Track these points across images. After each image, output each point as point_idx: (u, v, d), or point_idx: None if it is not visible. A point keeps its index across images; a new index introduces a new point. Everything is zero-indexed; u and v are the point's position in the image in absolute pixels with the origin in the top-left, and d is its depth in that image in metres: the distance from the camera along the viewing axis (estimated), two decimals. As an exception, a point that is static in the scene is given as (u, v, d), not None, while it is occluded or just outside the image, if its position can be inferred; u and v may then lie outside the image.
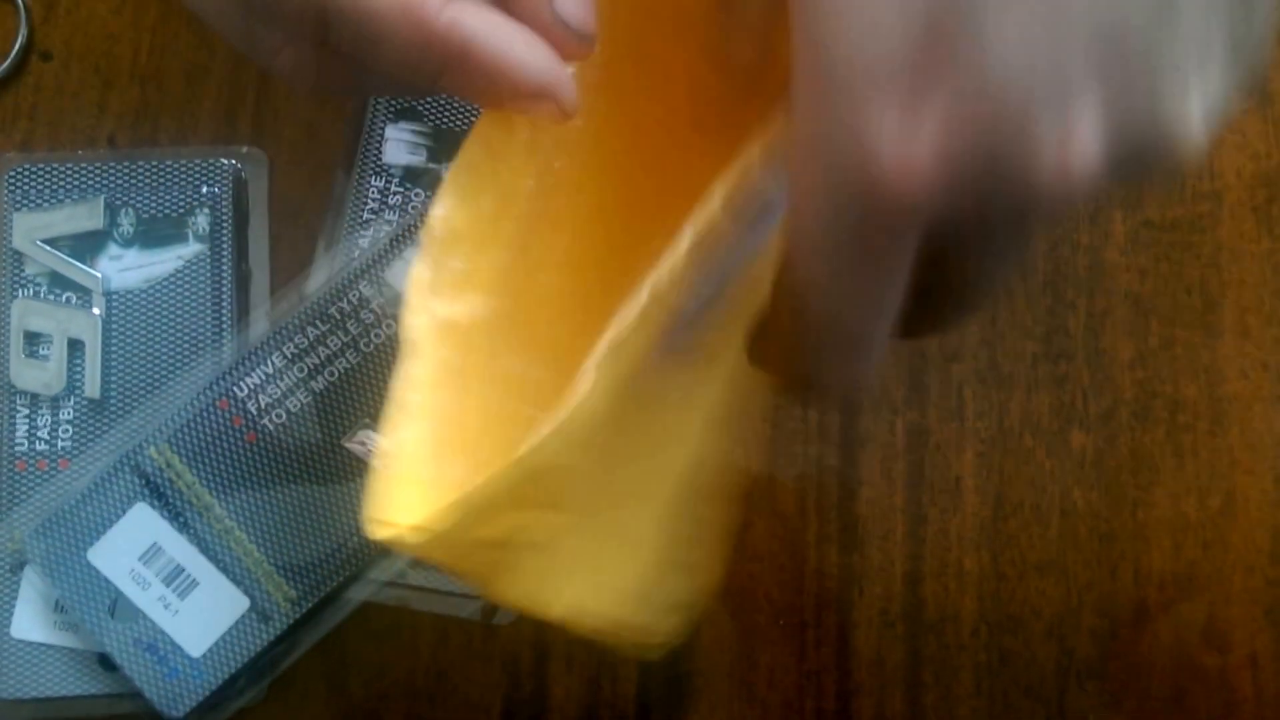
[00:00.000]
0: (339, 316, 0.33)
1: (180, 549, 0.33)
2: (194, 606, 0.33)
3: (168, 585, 0.33)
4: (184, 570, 0.33)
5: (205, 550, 0.33)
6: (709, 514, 0.30)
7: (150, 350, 0.35)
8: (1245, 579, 0.38)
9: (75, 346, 0.35)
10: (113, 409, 0.35)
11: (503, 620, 0.36)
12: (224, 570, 0.33)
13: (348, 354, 0.33)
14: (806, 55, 0.20)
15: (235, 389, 0.33)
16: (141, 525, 0.33)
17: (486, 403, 0.25)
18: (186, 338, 0.35)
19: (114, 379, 0.35)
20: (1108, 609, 0.38)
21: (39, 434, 0.35)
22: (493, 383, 0.25)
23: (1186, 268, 0.39)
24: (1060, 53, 0.18)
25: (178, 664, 0.33)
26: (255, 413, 0.33)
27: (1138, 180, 0.20)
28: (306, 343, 0.33)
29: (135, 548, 0.33)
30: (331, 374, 0.33)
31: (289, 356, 0.33)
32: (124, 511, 0.33)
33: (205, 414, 0.33)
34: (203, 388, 0.33)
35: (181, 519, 0.33)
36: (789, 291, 0.22)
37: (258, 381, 0.33)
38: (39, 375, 0.34)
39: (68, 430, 0.35)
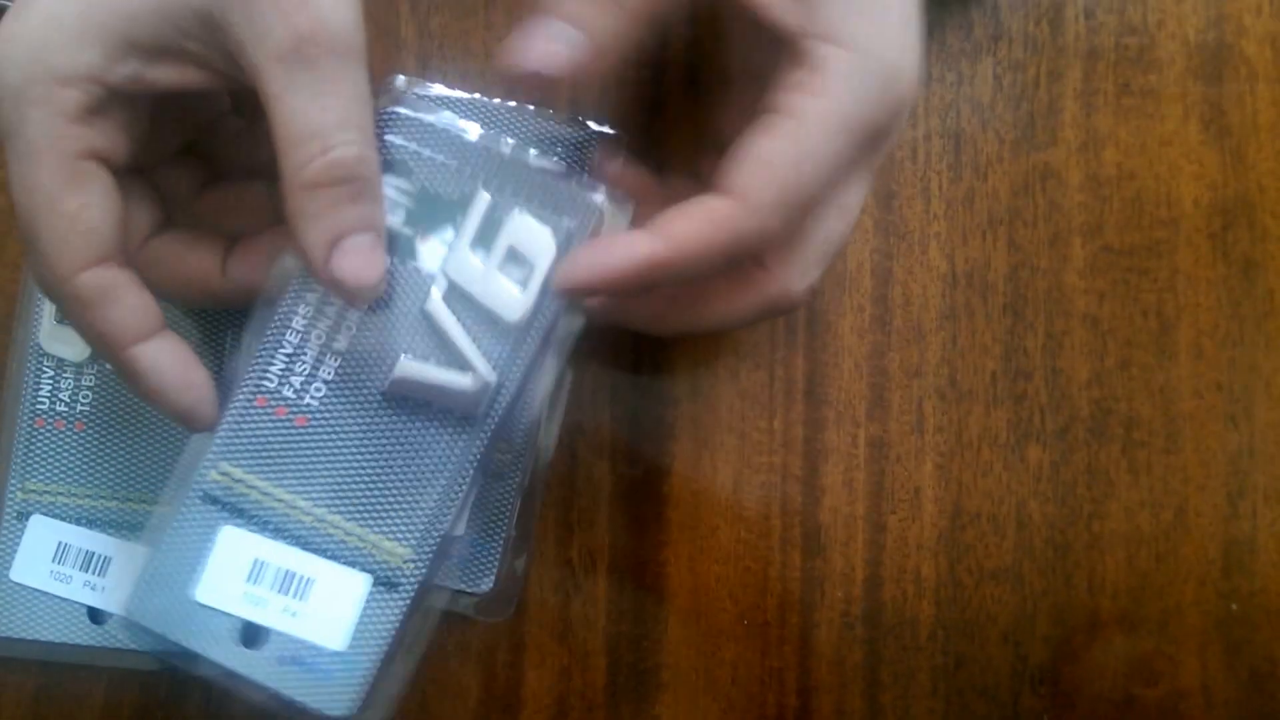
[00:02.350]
0: None
1: (282, 554, 0.32)
2: (318, 604, 0.31)
3: (285, 594, 0.32)
4: (294, 573, 0.32)
5: (307, 546, 0.32)
6: None
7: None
8: (1197, 590, 0.40)
9: None
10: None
11: (497, 617, 0.38)
12: (333, 557, 0.32)
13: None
14: None
15: (264, 382, 0.32)
16: (234, 548, 0.32)
17: None
18: (202, 320, 0.37)
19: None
20: (1062, 616, 0.40)
21: (60, 396, 0.37)
22: None
23: (1143, 291, 0.41)
24: None
25: (327, 665, 0.31)
26: (294, 396, 0.32)
27: None
28: (311, 310, 0.32)
29: (238, 571, 0.31)
30: (349, 327, 0.32)
31: (301, 330, 0.32)
32: (211, 542, 0.31)
33: (246, 418, 0.32)
34: (233, 394, 0.32)
35: (270, 525, 0.32)
36: None
37: (282, 366, 0.32)
38: (67, 343, 0.37)
39: (87, 395, 0.37)
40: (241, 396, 0.32)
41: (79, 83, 0.27)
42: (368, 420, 0.32)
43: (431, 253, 0.32)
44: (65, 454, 0.37)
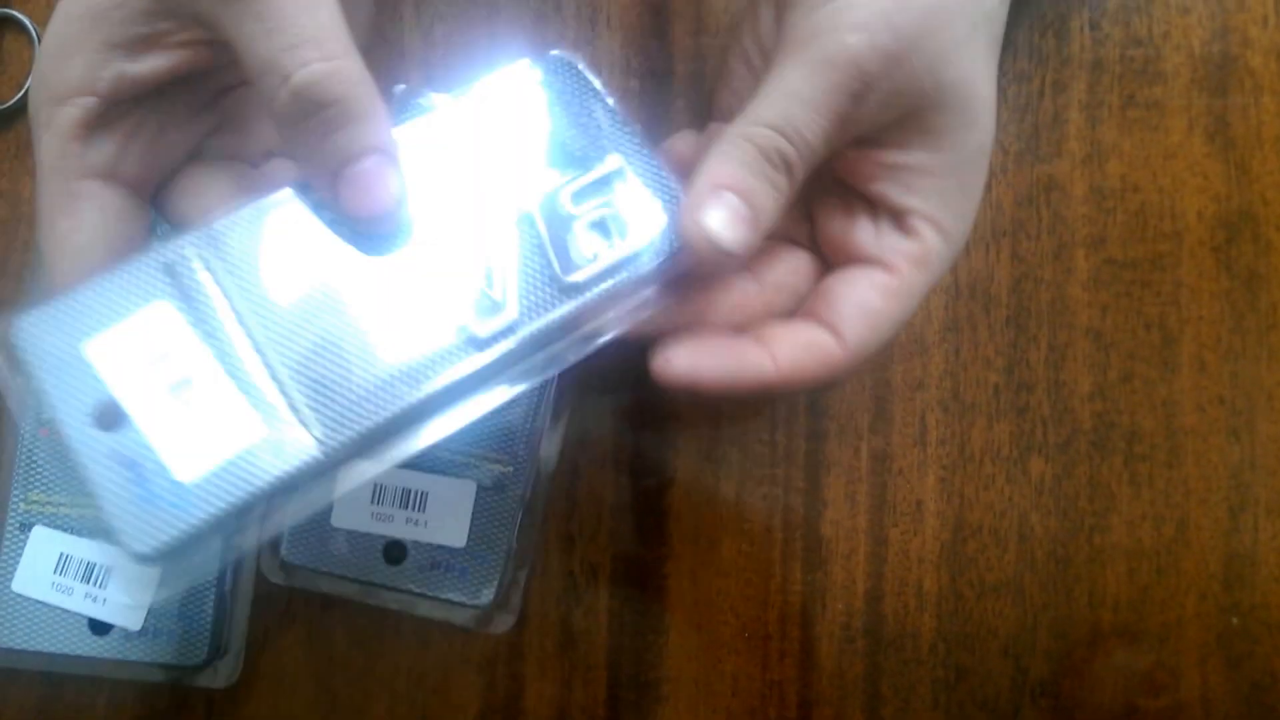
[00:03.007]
0: None
1: (198, 361, 0.27)
2: (198, 428, 0.27)
3: (173, 395, 0.27)
4: (194, 383, 0.27)
5: (229, 368, 0.27)
6: None
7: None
8: (1198, 604, 0.40)
9: None
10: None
11: (497, 629, 0.38)
12: (246, 393, 0.27)
13: None
14: None
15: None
16: (157, 326, 0.27)
17: None
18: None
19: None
20: (1063, 630, 0.40)
21: None
22: None
23: (1146, 304, 0.41)
24: None
25: (160, 489, 0.26)
26: None
27: None
28: None
29: (144, 349, 0.27)
30: None
31: None
32: (139, 306, 0.27)
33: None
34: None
35: (208, 328, 0.27)
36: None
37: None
38: None
39: None
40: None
41: (71, 98, 0.28)
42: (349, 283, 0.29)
43: (526, 186, 0.30)
44: (68, 464, 0.37)
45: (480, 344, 0.29)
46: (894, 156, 0.31)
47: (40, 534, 0.36)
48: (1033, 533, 0.40)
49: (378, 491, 0.37)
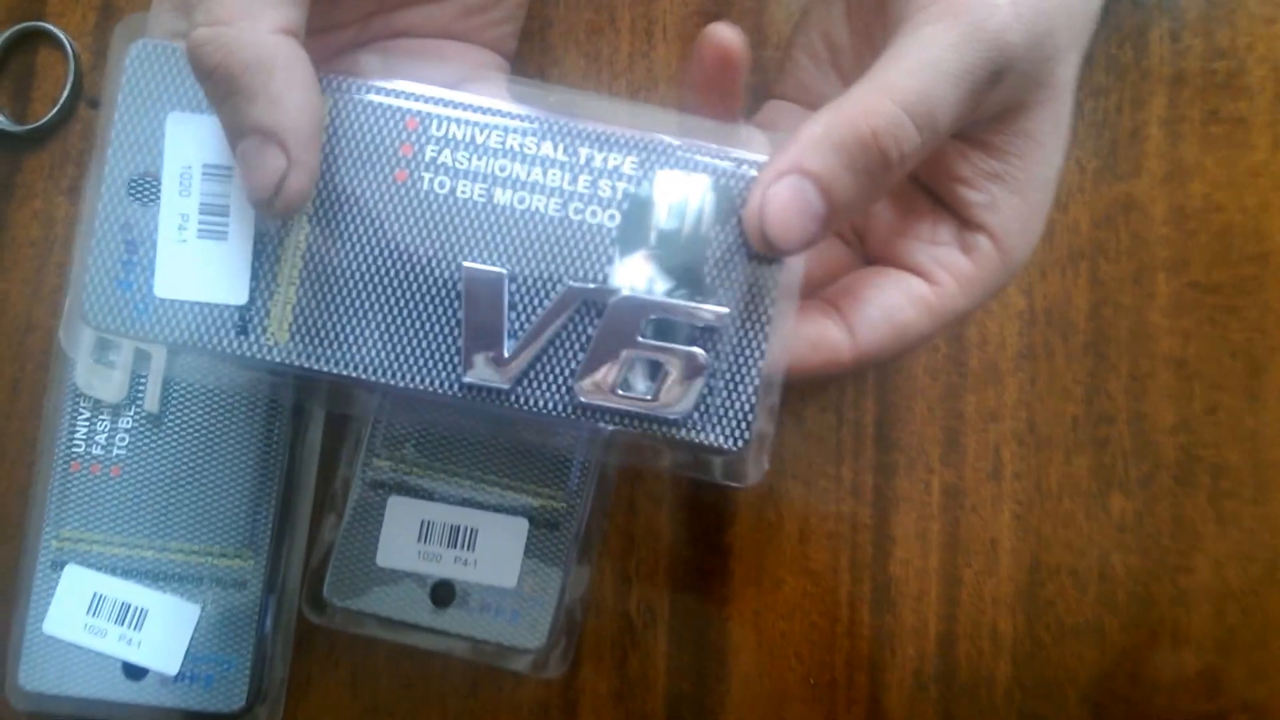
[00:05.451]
0: None
1: (245, 204, 0.26)
2: (201, 255, 0.27)
3: (203, 214, 0.27)
4: (229, 216, 0.27)
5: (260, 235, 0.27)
6: None
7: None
8: (1287, 648, 0.38)
9: (142, 358, 0.35)
10: (169, 426, 0.36)
11: (550, 674, 0.36)
12: (258, 263, 0.27)
13: None
14: None
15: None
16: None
17: None
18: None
19: (173, 397, 0.36)
20: (1145, 675, 0.38)
21: (97, 439, 0.36)
22: None
23: (1231, 331, 0.39)
24: None
25: (135, 282, 0.27)
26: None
27: None
28: None
29: (213, 156, 0.27)
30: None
31: None
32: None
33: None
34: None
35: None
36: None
37: None
38: (104, 383, 0.35)
39: (124, 439, 0.36)
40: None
41: None
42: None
43: (630, 269, 0.27)
44: (101, 499, 0.35)
45: (462, 385, 0.27)
46: (991, 162, 0.28)
47: (73, 573, 0.35)
48: (1114, 573, 0.38)
49: (425, 529, 0.35)
